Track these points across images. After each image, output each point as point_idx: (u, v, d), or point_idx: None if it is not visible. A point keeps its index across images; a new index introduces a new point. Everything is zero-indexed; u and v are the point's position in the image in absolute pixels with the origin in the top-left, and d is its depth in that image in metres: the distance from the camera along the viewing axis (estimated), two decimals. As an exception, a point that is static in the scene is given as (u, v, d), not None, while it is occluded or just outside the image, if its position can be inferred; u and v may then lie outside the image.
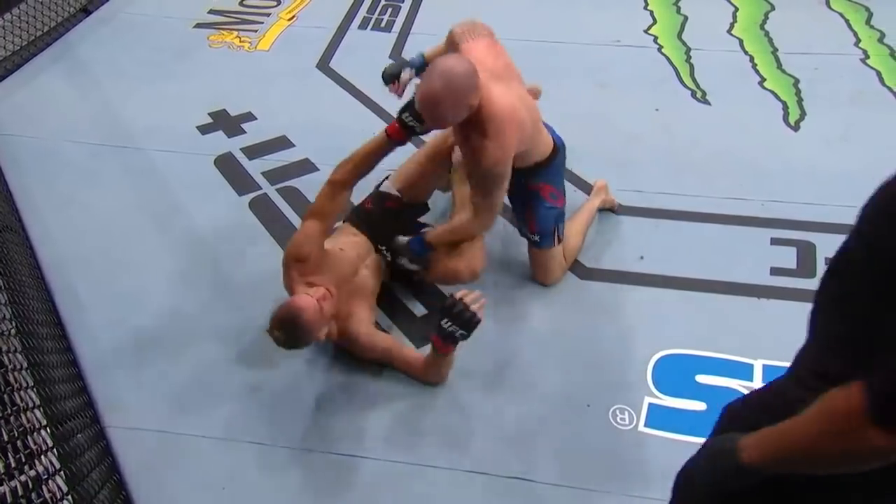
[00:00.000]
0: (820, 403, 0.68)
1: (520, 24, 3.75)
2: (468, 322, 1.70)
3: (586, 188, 2.58)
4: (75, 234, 2.50)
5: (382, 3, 4.09)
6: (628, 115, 3.05)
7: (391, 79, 2.21)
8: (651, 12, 3.91)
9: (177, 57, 3.59)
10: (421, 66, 2.18)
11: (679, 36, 3.67)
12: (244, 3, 4.14)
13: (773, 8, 3.89)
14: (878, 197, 0.70)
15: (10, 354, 1.77)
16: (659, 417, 1.85)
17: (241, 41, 3.75)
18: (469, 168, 1.97)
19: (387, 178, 2.26)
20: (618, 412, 1.87)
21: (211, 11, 4.03)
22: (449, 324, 1.70)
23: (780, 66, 3.39)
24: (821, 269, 2.27)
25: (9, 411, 1.57)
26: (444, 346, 1.77)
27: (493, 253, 2.33)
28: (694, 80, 3.31)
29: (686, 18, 3.83)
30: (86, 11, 3.97)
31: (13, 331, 1.89)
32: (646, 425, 1.84)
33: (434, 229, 2.08)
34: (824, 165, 2.73)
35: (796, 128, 2.97)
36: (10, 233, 2.39)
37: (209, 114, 3.12)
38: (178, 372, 2.03)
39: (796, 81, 3.26)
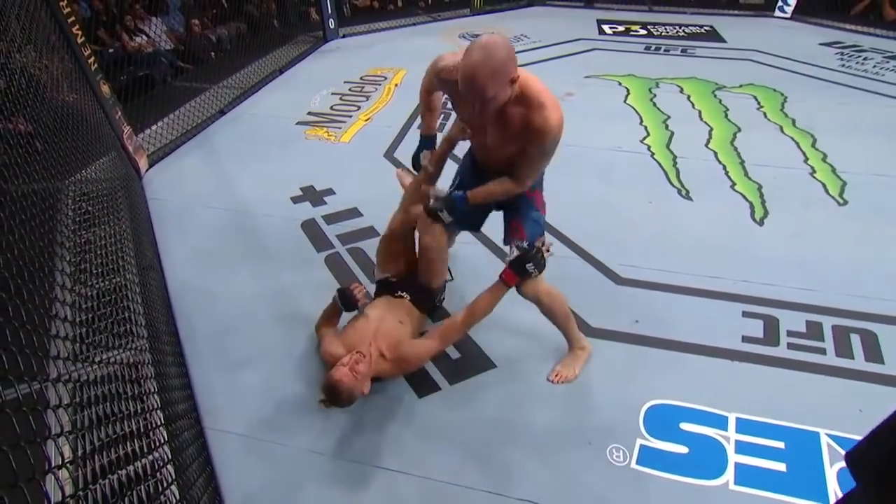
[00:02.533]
0: None
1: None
2: (543, 263, 1.79)
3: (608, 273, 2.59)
4: (196, 276, 2.57)
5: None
6: (627, 205, 3.07)
7: (417, 163, 2.10)
8: (645, 127, 4.00)
9: (281, 145, 3.79)
10: (427, 144, 2.01)
11: (667, 146, 3.73)
12: (333, 108, 4.39)
13: (739, 130, 3.95)
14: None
15: (144, 366, 1.83)
16: (649, 457, 1.78)
17: (328, 135, 3.94)
18: (520, 143, 1.64)
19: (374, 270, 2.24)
20: (614, 450, 1.80)
21: (309, 113, 4.28)
22: (531, 265, 1.76)
23: (746, 174, 3.40)
24: (783, 340, 2.20)
25: (139, 410, 1.62)
26: (514, 277, 1.79)
27: (511, 309, 2.31)
28: (680, 180, 3.33)
29: (673, 133, 3.90)
30: (221, 112, 4.27)
31: (147, 346, 1.95)
32: (637, 463, 1.76)
33: (477, 189, 1.81)
34: (783, 255, 2.68)
35: (761, 223, 2.95)
36: (152, 271, 2.48)
37: (300, 188, 3.24)
38: (263, 389, 2.03)
39: (760, 187, 3.26)
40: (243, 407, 1.97)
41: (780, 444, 1.81)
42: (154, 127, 3.81)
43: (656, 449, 1.80)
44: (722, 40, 6.21)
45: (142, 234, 2.73)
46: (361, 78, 4.97)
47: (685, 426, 1.87)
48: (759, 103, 4.41)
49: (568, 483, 1.72)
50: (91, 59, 3.07)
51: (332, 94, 4.63)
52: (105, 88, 3.18)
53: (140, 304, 2.13)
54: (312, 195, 3.17)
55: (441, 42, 6.10)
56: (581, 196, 3.15)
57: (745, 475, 1.72)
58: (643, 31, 6.59)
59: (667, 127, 4.00)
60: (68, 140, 2.46)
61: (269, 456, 1.81)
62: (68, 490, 1.10)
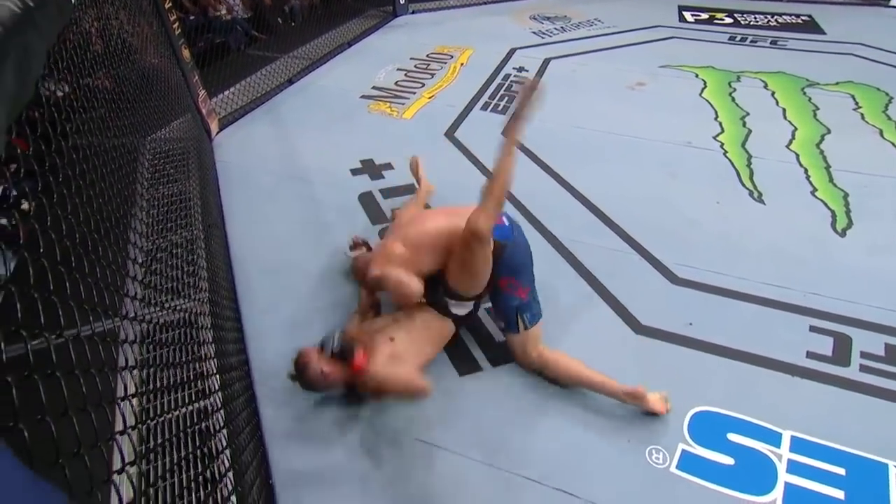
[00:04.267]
0: None
1: (611, 121, 3.75)
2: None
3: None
4: (256, 237, 2.69)
5: (502, 92, 4.23)
6: (692, 203, 2.93)
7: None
8: (720, 123, 3.78)
9: (345, 117, 3.87)
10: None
11: (743, 145, 3.51)
12: (398, 83, 4.43)
13: (829, 131, 3.64)
14: None
15: (202, 317, 1.96)
16: (690, 463, 1.73)
17: (391, 110, 3.99)
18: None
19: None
20: (654, 452, 1.77)
21: (373, 87, 4.33)
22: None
23: (831, 180, 3.15)
24: (856, 361, 2.05)
25: (192, 358, 1.74)
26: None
27: (560, 315, 2.30)
28: (753, 182, 3.14)
29: (750, 131, 3.66)
30: (290, 82, 4.39)
31: (206, 299, 2.08)
32: (677, 468, 1.72)
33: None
34: (866, 271, 2.48)
35: (843, 234, 2.73)
36: (216, 229, 2.63)
37: (360, 161, 3.29)
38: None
39: (846, 195, 3.01)
40: (291, 365, 2.05)
41: (840, 471, 1.70)
42: (226, 92, 3.99)
43: (699, 456, 1.75)
44: (821, 31, 5.71)
45: (209, 193, 2.89)
46: (428, 55, 4.97)
47: (733, 437, 1.80)
48: (856, 103, 4.04)
49: (602, 477, 1.71)
50: (175, 25, 3.25)
51: (398, 69, 4.66)
52: (186, 53, 3.36)
53: (204, 259, 2.27)
54: (371, 168, 3.23)
55: (511, 22, 5.97)
56: (643, 190, 3.03)
57: (797, 497, 1.64)
58: (729, 20, 6.16)
59: (744, 124, 3.75)
60: (152, 100, 2.63)
61: (312, 415, 1.90)
62: (132, 421, 1.21)
